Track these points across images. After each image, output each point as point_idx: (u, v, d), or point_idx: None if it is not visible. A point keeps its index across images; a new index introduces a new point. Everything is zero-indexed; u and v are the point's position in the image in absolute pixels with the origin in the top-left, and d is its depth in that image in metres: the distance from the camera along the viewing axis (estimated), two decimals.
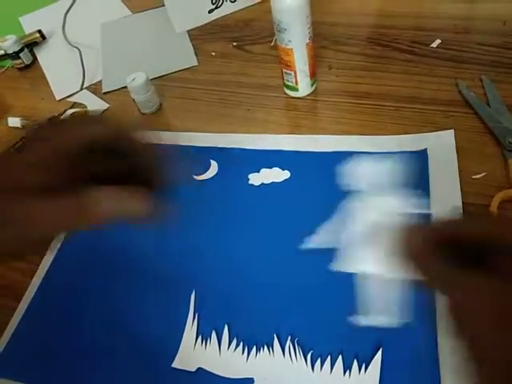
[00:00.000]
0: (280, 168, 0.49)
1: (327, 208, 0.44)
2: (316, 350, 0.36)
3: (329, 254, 0.37)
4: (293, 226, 0.44)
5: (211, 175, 0.51)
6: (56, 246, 0.48)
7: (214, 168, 0.51)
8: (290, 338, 0.37)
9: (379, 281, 0.33)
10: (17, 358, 0.41)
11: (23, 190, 0.26)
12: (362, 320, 0.34)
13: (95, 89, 0.69)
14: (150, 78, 0.61)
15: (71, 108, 0.66)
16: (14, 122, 0.65)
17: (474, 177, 0.44)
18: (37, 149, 0.26)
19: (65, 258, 0.47)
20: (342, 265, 0.36)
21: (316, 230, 0.41)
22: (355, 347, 0.35)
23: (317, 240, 0.39)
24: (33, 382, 0.39)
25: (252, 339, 0.38)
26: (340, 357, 0.35)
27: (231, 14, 0.77)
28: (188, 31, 0.75)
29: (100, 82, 0.70)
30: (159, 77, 0.67)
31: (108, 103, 0.65)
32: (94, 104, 0.66)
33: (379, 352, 0.35)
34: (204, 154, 0.53)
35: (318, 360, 0.35)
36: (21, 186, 0.26)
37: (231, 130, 0.56)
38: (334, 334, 0.36)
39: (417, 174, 0.45)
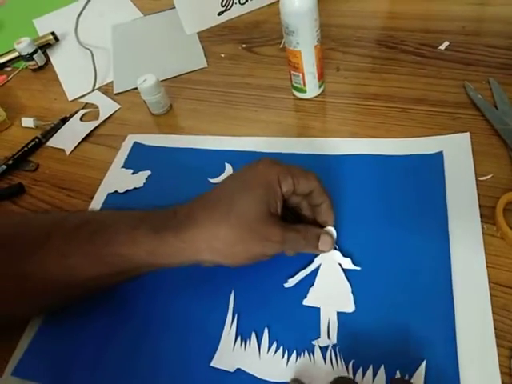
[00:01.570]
0: None
1: (340, 210, 0.44)
2: (358, 360, 0.35)
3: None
4: None
5: None
6: None
7: (228, 171, 0.52)
8: (331, 346, 0.37)
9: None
10: (40, 358, 0.41)
11: (277, 215, 0.37)
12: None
13: (107, 90, 0.70)
14: (161, 79, 0.62)
15: (83, 108, 0.67)
16: (28, 122, 0.67)
17: (480, 179, 0.44)
18: (287, 185, 0.37)
19: None
20: (309, 300, 0.40)
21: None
22: (398, 359, 0.35)
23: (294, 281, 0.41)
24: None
25: (292, 344, 0.37)
26: (382, 366, 0.35)
27: (240, 16, 0.78)
28: (198, 33, 0.76)
29: (111, 82, 0.71)
30: (169, 78, 0.69)
31: (119, 104, 0.67)
32: (106, 105, 0.67)
33: (423, 364, 0.34)
34: (218, 157, 0.53)
35: (360, 369, 0.35)
36: (277, 211, 0.37)
37: (240, 131, 0.57)
38: (376, 345, 0.36)
39: (433, 176, 0.45)
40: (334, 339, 0.37)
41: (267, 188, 0.36)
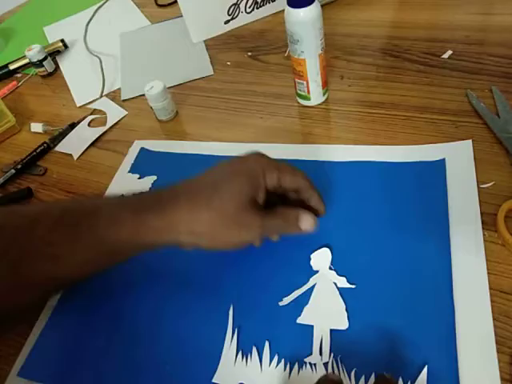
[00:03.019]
0: None
1: (345, 218, 0.45)
2: (359, 368, 0.36)
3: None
4: (313, 234, 0.43)
5: None
6: None
7: None
8: (332, 355, 0.37)
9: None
10: (45, 360, 0.41)
11: (259, 204, 0.38)
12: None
13: (114, 96, 0.72)
14: (167, 86, 0.63)
15: (91, 114, 0.69)
16: (37, 127, 0.68)
17: (482, 186, 0.45)
18: (271, 179, 0.39)
19: None
20: (303, 319, 0.40)
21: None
22: (400, 366, 0.35)
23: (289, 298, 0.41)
24: None
25: (294, 356, 0.37)
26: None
27: (246, 24, 0.79)
28: (204, 41, 0.78)
29: (119, 89, 0.73)
30: (176, 85, 0.70)
31: (126, 110, 0.68)
32: (113, 111, 0.68)
33: (425, 369, 0.34)
34: None
35: (363, 377, 0.35)
36: (258, 201, 0.38)
37: (244, 137, 0.58)
38: (377, 353, 0.36)
39: (435, 183, 0.46)
40: (326, 357, 0.37)
41: (251, 178, 0.38)
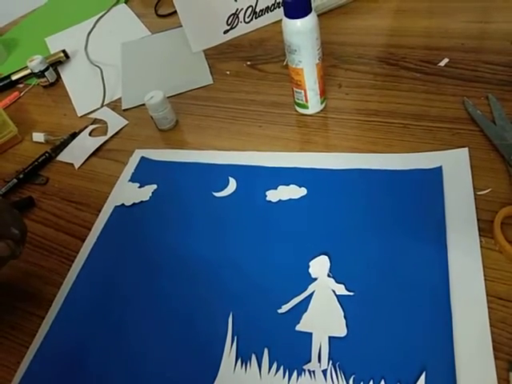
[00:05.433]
0: (297, 185, 0.50)
1: (343, 225, 0.46)
2: (358, 374, 0.36)
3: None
4: (311, 242, 0.45)
5: (230, 192, 0.52)
6: (80, 261, 0.50)
7: (232, 185, 0.53)
8: (331, 362, 0.37)
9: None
10: (45, 370, 0.42)
11: None
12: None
13: (115, 106, 0.72)
14: (167, 95, 0.64)
15: (92, 124, 0.69)
16: (38, 137, 0.69)
17: (479, 193, 0.45)
18: None
19: (93, 270, 0.49)
20: (302, 326, 0.40)
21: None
22: (398, 372, 0.35)
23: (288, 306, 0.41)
24: None
25: (293, 363, 0.38)
26: (382, 381, 0.35)
27: (245, 34, 0.80)
28: (204, 51, 0.79)
29: (120, 99, 0.73)
30: (176, 94, 0.70)
31: (127, 119, 0.68)
32: (114, 120, 0.69)
33: (422, 376, 0.35)
34: (223, 172, 0.55)
35: (361, 383, 0.36)
36: None
37: (244, 145, 0.58)
38: (375, 359, 0.36)
39: (432, 190, 0.46)
40: (324, 364, 0.37)
41: None
